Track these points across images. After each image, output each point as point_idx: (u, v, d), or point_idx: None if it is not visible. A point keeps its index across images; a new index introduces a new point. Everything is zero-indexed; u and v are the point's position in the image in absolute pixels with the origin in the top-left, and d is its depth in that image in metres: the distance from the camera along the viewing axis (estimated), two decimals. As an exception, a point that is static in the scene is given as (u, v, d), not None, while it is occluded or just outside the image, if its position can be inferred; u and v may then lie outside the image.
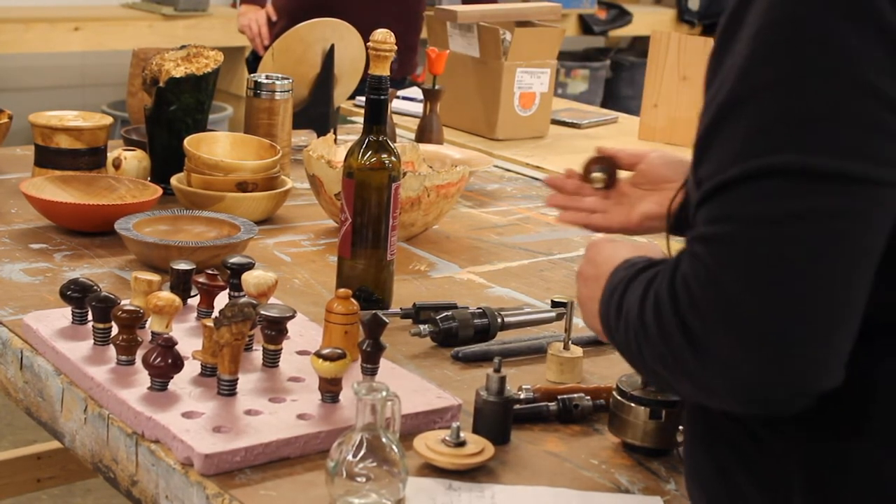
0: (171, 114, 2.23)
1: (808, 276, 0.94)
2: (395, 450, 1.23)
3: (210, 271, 1.65)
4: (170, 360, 1.42)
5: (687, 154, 1.23)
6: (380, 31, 1.72)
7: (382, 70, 1.72)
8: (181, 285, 1.65)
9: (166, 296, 1.54)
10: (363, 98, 3.26)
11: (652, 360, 1.06)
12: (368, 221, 1.73)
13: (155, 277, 1.59)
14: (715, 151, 1.00)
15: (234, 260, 1.68)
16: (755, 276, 0.95)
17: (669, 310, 1.01)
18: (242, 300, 1.43)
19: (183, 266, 1.65)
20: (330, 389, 1.43)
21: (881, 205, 0.96)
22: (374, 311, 1.51)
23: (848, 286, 0.96)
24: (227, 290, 1.67)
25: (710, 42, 2.99)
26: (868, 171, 0.95)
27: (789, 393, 0.97)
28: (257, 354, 1.53)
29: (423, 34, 3.69)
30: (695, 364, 0.99)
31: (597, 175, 1.61)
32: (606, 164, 1.61)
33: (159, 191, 2.11)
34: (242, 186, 2.12)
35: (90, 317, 1.55)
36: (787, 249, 0.95)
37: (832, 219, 0.95)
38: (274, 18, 3.88)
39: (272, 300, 1.62)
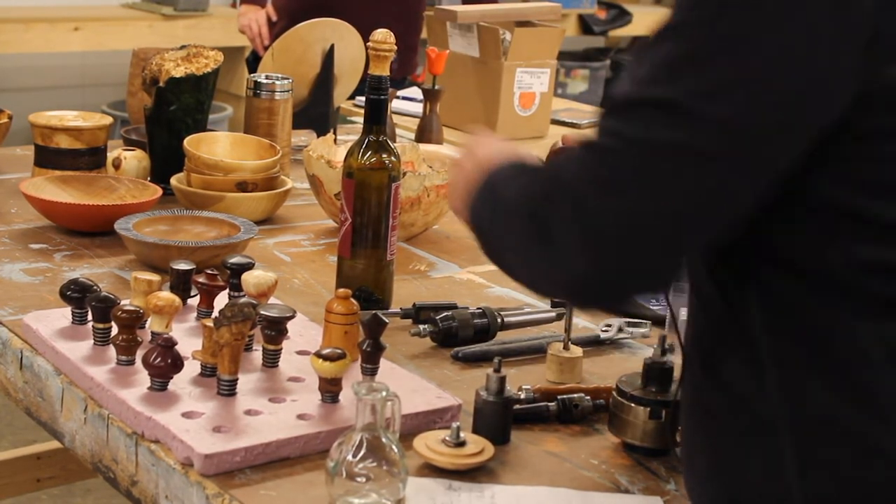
0: (171, 114, 2.23)
1: (659, 196, 1.05)
2: (395, 450, 1.23)
3: (210, 271, 1.65)
4: (170, 360, 1.42)
5: None
6: (380, 31, 1.72)
7: (382, 70, 1.72)
8: (181, 285, 1.65)
9: (166, 296, 1.54)
10: (363, 98, 3.26)
11: (507, 244, 1.16)
12: (368, 221, 1.73)
13: (155, 277, 1.59)
14: (626, 75, 1.11)
15: (234, 260, 1.68)
16: (615, 186, 1.06)
17: (538, 201, 1.11)
18: (242, 300, 1.43)
19: (183, 266, 1.65)
20: (330, 389, 1.43)
21: (749, 151, 1.03)
22: (373, 311, 1.52)
23: (692, 211, 1.05)
24: (227, 290, 1.67)
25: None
26: (731, 119, 1.03)
27: (619, 294, 1.12)
28: (257, 354, 1.53)
29: (423, 34, 3.69)
30: (543, 253, 1.10)
31: None
32: None
33: (159, 191, 2.11)
34: (242, 186, 2.12)
35: (90, 317, 1.55)
36: (650, 170, 1.05)
37: (691, 154, 1.04)
38: (274, 18, 3.88)
39: (272, 300, 1.62)
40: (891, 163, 1.04)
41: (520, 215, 1.13)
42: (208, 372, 1.47)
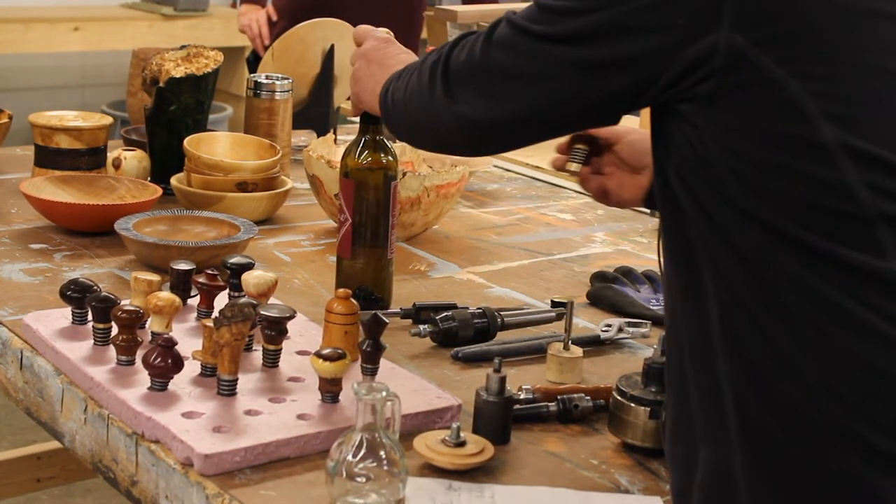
0: (171, 114, 2.23)
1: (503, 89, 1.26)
2: (395, 450, 1.23)
3: (210, 271, 1.65)
4: (170, 360, 1.42)
5: None
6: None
7: None
8: (181, 285, 1.65)
9: (166, 296, 1.54)
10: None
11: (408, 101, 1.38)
12: (367, 221, 1.73)
13: (155, 277, 1.59)
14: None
15: (234, 260, 1.68)
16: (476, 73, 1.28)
17: (432, 67, 1.33)
18: (242, 300, 1.43)
19: (183, 266, 1.65)
20: (330, 389, 1.43)
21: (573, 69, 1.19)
22: (373, 311, 1.51)
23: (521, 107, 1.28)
24: (227, 291, 1.67)
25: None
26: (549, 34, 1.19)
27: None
28: (257, 354, 1.53)
29: (424, 34, 3.69)
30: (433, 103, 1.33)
31: (579, 147, 1.61)
32: (586, 141, 1.61)
33: (159, 191, 2.11)
34: (242, 186, 2.12)
35: (90, 317, 1.55)
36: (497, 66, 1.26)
37: (524, 61, 1.23)
38: (274, 18, 3.88)
39: (272, 300, 1.62)
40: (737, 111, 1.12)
41: (420, 82, 1.35)
42: (208, 372, 1.47)
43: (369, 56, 1.59)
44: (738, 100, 1.10)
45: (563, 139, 1.61)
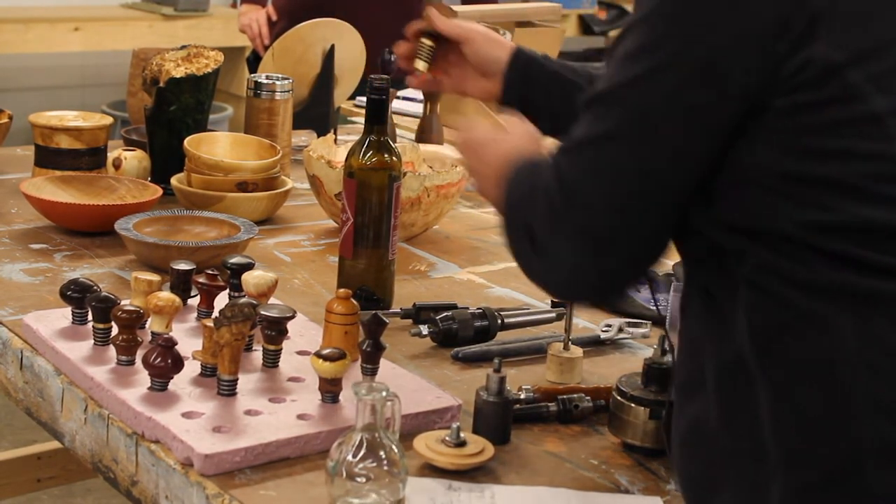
0: (171, 114, 2.23)
1: (607, 188, 1.15)
2: (395, 450, 1.23)
3: (210, 271, 1.65)
4: (170, 360, 1.42)
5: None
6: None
7: None
8: (181, 285, 1.65)
9: (166, 296, 1.54)
10: (363, 98, 3.26)
11: (514, 249, 1.26)
12: (370, 221, 1.73)
13: (155, 277, 1.59)
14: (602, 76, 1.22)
15: (234, 260, 1.68)
16: (573, 188, 1.17)
17: (526, 211, 1.22)
18: (242, 300, 1.43)
19: (183, 266, 1.65)
20: (330, 389, 1.43)
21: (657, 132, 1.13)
22: (374, 312, 1.51)
23: (637, 192, 1.15)
24: (227, 291, 1.67)
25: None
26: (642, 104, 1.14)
27: (608, 288, 1.22)
28: (257, 354, 1.53)
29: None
30: (535, 259, 1.22)
31: (425, 42, 1.66)
32: (432, 37, 1.67)
33: (159, 191, 2.11)
34: (242, 186, 2.12)
35: (90, 317, 1.55)
36: (591, 165, 1.17)
37: (614, 141, 1.15)
38: (274, 18, 3.88)
39: (272, 300, 1.62)
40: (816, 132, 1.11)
41: (516, 225, 1.25)
42: (208, 372, 1.47)
43: (478, 171, 1.44)
44: (817, 114, 1.10)
45: (410, 31, 1.70)
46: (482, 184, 1.41)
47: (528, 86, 1.70)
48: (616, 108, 1.15)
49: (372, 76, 1.72)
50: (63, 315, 1.60)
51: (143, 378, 1.44)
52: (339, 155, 2.21)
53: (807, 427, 1.10)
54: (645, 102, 1.13)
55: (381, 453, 1.22)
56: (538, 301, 1.89)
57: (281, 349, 1.52)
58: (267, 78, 2.36)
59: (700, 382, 1.17)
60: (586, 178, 1.16)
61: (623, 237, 1.16)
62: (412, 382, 1.51)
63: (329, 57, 2.66)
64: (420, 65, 1.63)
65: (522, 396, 1.50)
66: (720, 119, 1.12)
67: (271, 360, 1.52)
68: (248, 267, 1.66)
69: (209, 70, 2.23)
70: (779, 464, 1.11)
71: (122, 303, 1.54)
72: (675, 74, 1.12)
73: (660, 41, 1.13)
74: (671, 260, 1.51)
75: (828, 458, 1.09)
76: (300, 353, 1.56)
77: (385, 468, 1.22)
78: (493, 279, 1.99)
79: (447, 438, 1.36)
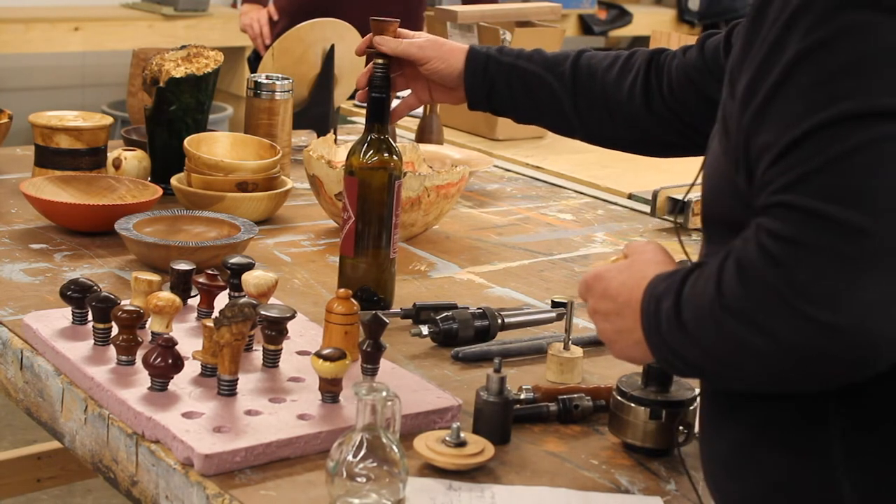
0: (171, 114, 2.23)
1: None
2: (395, 450, 1.23)
3: (210, 271, 1.65)
4: (170, 360, 1.42)
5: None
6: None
7: None
8: (181, 285, 1.65)
9: (166, 296, 1.54)
10: (363, 98, 3.26)
11: (731, 340, 1.04)
12: (371, 220, 1.73)
13: (155, 277, 1.59)
14: (777, 111, 1.05)
15: (235, 260, 1.68)
16: (852, 199, 0.98)
17: (763, 265, 1.01)
18: (242, 300, 1.43)
19: (183, 266, 1.65)
20: (330, 390, 1.43)
21: None
22: (374, 312, 1.51)
23: None
24: (227, 291, 1.67)
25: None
26: None
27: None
28: (257, 354, 1.53)
29: (424, 34, 3.69)
30: (801, 314, 0.99)
31: (380, 62, 1.71)
32: (383, 56, 1.72)
33: (159, 191, 2.11)
34: (242, 186, 2.12)
35: (90, 317, 1.55)
36: (874, 171, 0.99)
37: None
38: (275, 18, 3.88)
39: (272, 300, 1.62)
40: None
41: (753, 289, 1.02)
42: (208, 372, 1.47)
43: (601, 309, 1.23)
44: None
45: (362, 51, 1.76)
46: (612, 332, 1.20)
47: (490, 86, 1.71)
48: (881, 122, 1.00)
49: (374, 74, 1.72)
50: (63, 315, 1.60)
51: (143, 378, 1.44)
52: (339, 155, 2.21)
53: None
54: None
55: (382, 453, 1.22)
56: (538, 301, 1.89)
57: (281, 349, 1.52)
58: (267, 78, 2.36)
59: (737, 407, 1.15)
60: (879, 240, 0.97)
61: None
62: (412, 382, 1.51)
63: (329, 57, 2.66)
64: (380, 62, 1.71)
65: (522, 396, 1.50)
66: None
67: (271, 360, 1.52)
68: (248, 267, 1.66)
69: (209, 70, 2.23)
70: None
71: (123, 303, 1.54)
72: None
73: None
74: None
75: None
76: (300, 353, 1.56)
77: (385, 468, 1.22)
78: (493, 279, 1.99)
79: (447, 438, 1.36)
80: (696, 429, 1.40)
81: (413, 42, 1.73)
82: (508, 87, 1.70)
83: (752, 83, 1.08)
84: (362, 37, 2.74)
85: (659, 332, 1.11)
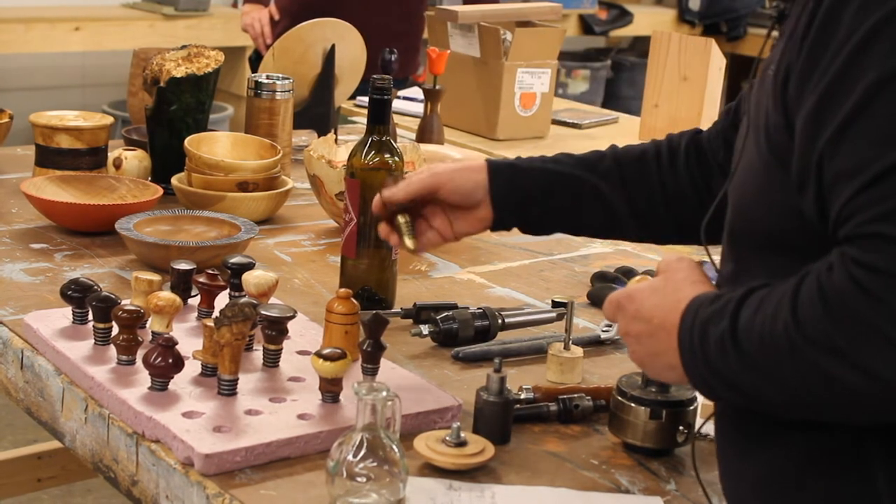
0: (171, 114, 2.23)
1: None
2: (395, 450, 1.23)
3: (210, 271, 1.65)
4: (170, 360, 1.42)
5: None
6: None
7: None
8: (181, 285, 1.65)
9: (167, 296, 1.54)
10: (364, 98, 3.26)
11: (806, 374, 1.02)
12: (373, 221, 1.73)
13: (155, 277, 1.59)
14: (862, 137, 1.01)
15: (235, 260, 1.68)
16: None
17: (854, 296, 0.98)
18: (243, 300, 1.43)
19: (183, 266, 1.65)
20: (330, 389, 1.43)
21: None
22: (374, 311, 1.51)
23: None
24: (228, 290, 1.67)
25: (710, 42, 2.99)
26: None
27: None
28: (257, 354, 1.54)
29: (424, 34, 3.69)
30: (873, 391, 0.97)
31: (402, 220, 1.52)
32: (405, 211, 1.52)
33: (160, 191, 2.11)
34: (243, 186, 2.12)
35: (90, 317, 1.55)
36: None
37: None
38: (276, 17, 3.88)
39: (272, 300, 1.62)
40: None
41: (840, 322, 0.99)
42: (209, 372, 1.47)
43: (634, 331, 1.20)
44: None
45: (379, 209, 1.52)
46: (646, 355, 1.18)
47: (525, 197, 1.51)
48: None
49: (374, 76, 1.72)
50: (63, 315, 1.60)
51: (144, 378, 1.44)
52: (340, 155, 2.21)
53: None
54: None
55: (382, 453, 1.22)
56: (538, 301, 1.89)
57: (281, 349, 1.52)
58: (267, 78, 2.36)
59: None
60: None
61: None
62: (412, 382, 1.51)
63: (329, 57, 2.66)
64: (409, 242, 1.50)
65: (522, 396, 1.50)
66: None
67: (272, 360, 1.52)
68: (249, 267, 1.66)
69: (209, 70, 2.23)
70: None
71: (123, 302, 1.54)
72: None
73: None
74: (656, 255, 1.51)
75: None
76: (300, 352, 1.56)
77: (385, 468, 1.22)
78: (493, 279, 1.99)
79: (447, 438, 1.36)
80: (697, 428, 1.40)
81: (419, 175, 1.53)
82: (543, 194, 1.50)
83: (825, 100, 1.03)
84: (363, 37, 2.76)
85: (707, 360, 1.08)
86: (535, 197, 1.50)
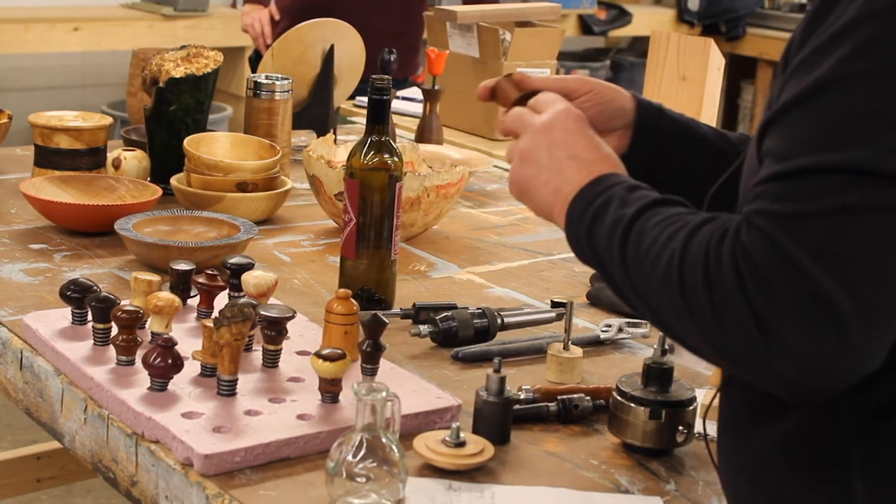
0: (170, 114, 2.23)
1: (878, 266, 0.97)
2: (395, 450, 1.23)
3: (210, 271, 1.65)
4: (170, 361, 1.42)
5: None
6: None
7: None
8: (181, 285, 1.65)
9: (166, 296, 1.54)
10: (363, 98, 3.26)
11: (681, 320, 1.05)
12: (372, 221, 1.73)
13: (155, 278, 1.59)
14: (794, 126, 1.02)
15: (234, 260, 1.68)
16: (829, 261, 0.97)
17: (734, 287, 1.00)
18: (242, 300, 1.43)
19: (183, 266, 1.65)
20: (330, 390, 1.43)
21: None
22: (373, 312, 1.51)
23: None
24: (227, 291, 1.67)
25: (709, 42, 2.99)
26: None
27: (849, 375, 1.00)
28: (257, 355, 1.53)
29: (424, 34, 3.69)
30: (758, 345, 0.99)
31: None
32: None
33: (159, 191, 2.11)
34: (242, 186, 2.12)
35: (90, 317, 1.55)
36: (860, 239, 0.97)
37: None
38: (277, 18, 3.89)
39: (272, 300, 1.62)
40: None
41: (719, 305, 1.02)
42: (208, 372, 1.47)
43: (531, 156, 1.23)
44: None
45: (486, 95, 1.43)
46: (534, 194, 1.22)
47: (664, 141, 1.45)
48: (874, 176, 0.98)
49: (374, 77, 1.72)
50: (63, 315, 1.60)
51: (143, 378, 1.44)
52: (339, 155, 2.21)
53: None
54: None
55: (381, 453, 1.22)
56: (538, 301, 1.89)
57: (281, 349, 1.52)
58: (266, 78, 2.36)
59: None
60: (839, 252, 0.97)
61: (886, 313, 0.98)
62: (412, 382, 1.51)
63: (329, 57, 2.66)
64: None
65: (522, 396, 1.50)
66: None
67: (271, 361, 1.52)
68: (248, 267, 1.66)
69: (209, 70, 2.23)
70: None
71: (122, 303, 1.54)
72: None
73: None
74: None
75: None
76: (300, 353, 1.56)
77: (385, 468, 1.22)
78: (493, 279, 1.99)
79: (447, 438, 1.36)
80: (696, 428, 1.40)
81: (562, 77, 1.45)
82: (685, 148, 1.46)
83: (789, 79, 1.05)
84: (362, 37, 2.76)
85: (592, 227, 1.14)
86: (672, 150, 1.46)
